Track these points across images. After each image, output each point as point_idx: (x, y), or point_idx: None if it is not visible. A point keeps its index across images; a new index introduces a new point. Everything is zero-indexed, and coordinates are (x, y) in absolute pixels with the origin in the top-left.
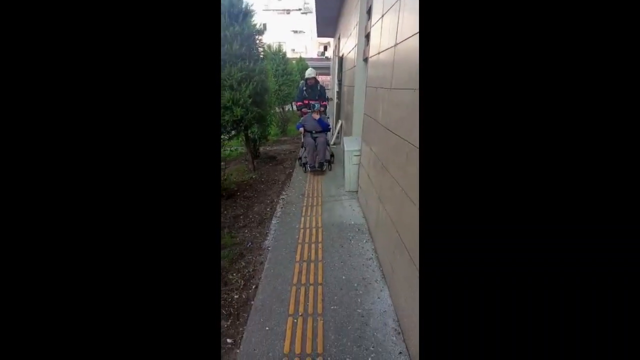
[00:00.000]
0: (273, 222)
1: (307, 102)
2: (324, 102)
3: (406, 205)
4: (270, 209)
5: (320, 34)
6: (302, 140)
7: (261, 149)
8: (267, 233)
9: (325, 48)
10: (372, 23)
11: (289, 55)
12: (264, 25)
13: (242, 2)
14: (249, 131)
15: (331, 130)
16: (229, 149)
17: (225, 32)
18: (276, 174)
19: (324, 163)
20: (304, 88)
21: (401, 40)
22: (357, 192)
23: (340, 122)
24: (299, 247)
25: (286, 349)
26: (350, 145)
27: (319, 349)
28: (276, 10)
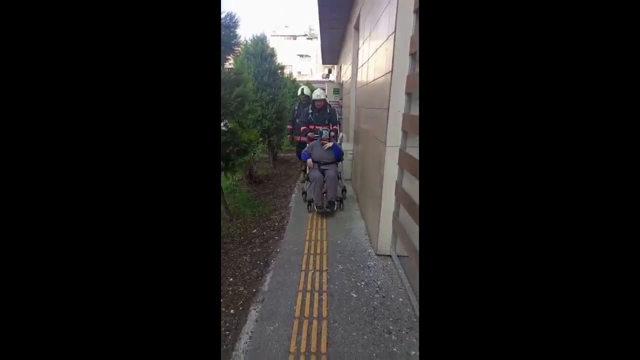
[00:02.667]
0: (292, 196)
1: (313, 126)
2: (334, 127)
3: (374, 178)
4: (290, 189)
5: (325, 61)
6: (307, 173)
7: (278, 154)
8: (289, 201)
9: (330, 71)
10: (359, 66)
11: (296, 77)
12: (273, 49)
13: (268, 47)
14: (270, 139)
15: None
16: (259, 152)
17: (258, 69)
18: (290, 171)
19: (334, 202)
20: (310, 111)
21: (370, 81)
22: (351, 179)
23: (341, 133)
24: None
25: (306, 238)
26: (346, 147)
27: (325, 237)
28: (283, 35)
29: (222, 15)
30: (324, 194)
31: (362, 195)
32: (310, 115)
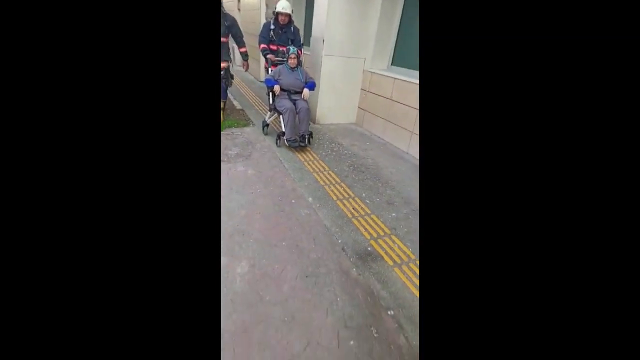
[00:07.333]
0: None
1: (275, 47)
2: (298, 50)
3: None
4: None
5: None
6: (271, 102)
7: None
8: None
9: None
10: None
11: None
12: None
13: None
14: None
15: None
16: None
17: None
18: None
19: (306, 136)
20: (271, 27)
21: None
22: None
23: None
24: None
25: None
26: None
27: None
28: None
29: None
30: (298, 125)
31: None
32: (272, 32)
